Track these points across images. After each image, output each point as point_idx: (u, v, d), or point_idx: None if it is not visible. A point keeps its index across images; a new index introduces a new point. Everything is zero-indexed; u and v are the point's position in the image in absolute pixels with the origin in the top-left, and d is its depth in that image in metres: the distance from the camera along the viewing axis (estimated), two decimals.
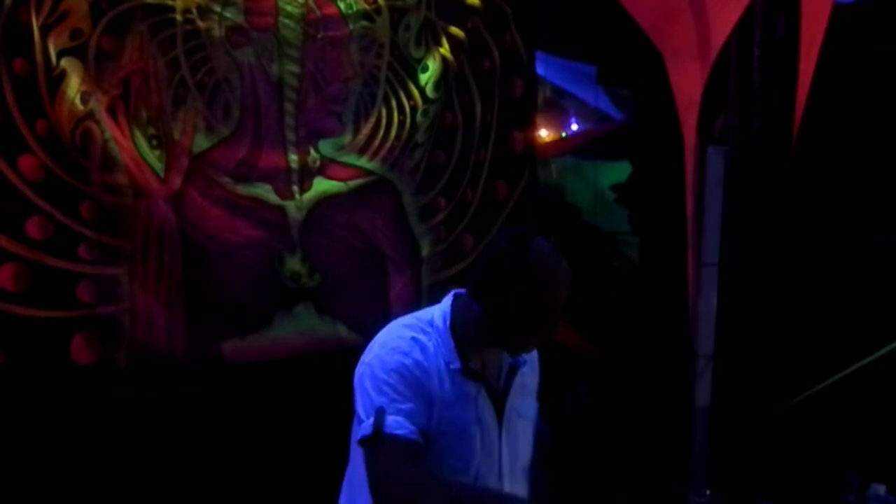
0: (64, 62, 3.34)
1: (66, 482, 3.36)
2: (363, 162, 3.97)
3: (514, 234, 2.05)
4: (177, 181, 3.58)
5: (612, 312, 4.94)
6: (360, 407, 1.97)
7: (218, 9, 3.58)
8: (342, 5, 3.82)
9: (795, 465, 3.94)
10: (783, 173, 4.10)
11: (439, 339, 2.03)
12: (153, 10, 3.47)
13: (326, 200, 3.88)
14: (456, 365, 2.01)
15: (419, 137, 4.08)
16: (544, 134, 5.64)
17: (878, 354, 3.75)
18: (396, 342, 2.02)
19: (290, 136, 3.77)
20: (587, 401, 4.83)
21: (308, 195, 3.84)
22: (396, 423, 1.90)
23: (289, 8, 3.71)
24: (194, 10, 3.54)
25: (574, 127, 6.68)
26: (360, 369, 2.02)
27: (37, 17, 3.26)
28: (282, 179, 3.77)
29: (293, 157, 3.79)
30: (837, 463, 3.80)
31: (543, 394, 2.29)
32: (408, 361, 1.97)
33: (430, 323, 2.06)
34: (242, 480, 3.65)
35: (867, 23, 4.08)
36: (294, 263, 3.83)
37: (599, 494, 4.33)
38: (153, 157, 3.55)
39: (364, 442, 1.91)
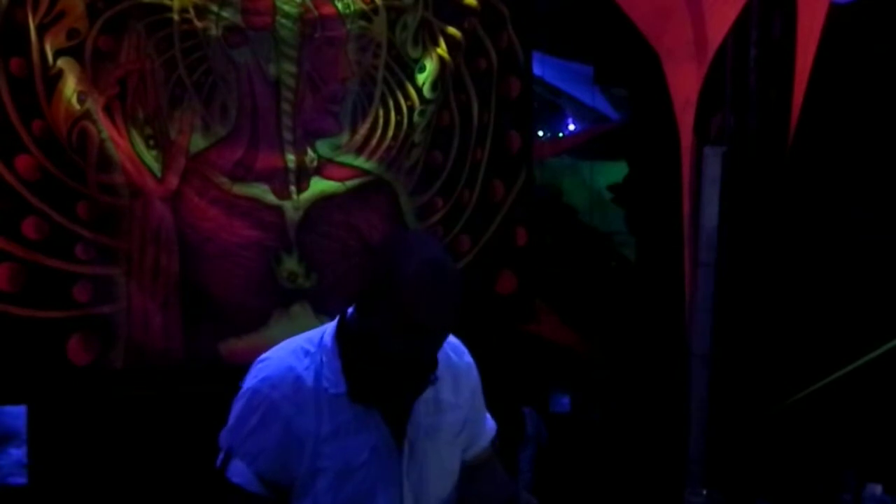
0: (60, 62, 3.34)
1: (64, 482, 3.35)
2: (360, 162, 3.96)
3: (390, 237, 1.90)
4: (174, 181, 3.58)
5: (608, 312, 4.94)
6: (225, 428, 1.85)
7: (215, 8, 3.58)
8: (340, 5, 3.82)
9: (792, 465, 3.94)
10: (780, 173, 4.09)
11: (324, 360, 1.81)
12: (150, 10, 3.47)
13: (324, 200, 3.87)
14: (339, 389, 1.79)
15: (416, 137, 4.08)
16: (541, 134, 5.65)
17: (875, 354, 3.75)
18: (271, 370, 1.82)
19: (288, 135, 3.77)
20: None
21: (305, 195, 3.83)
22: (237, 470, 1.79)
23: (286, 8, 3.70)
24: (191, 10, 3.54)
25: (571, 127, 6.68)
26: (241, 390, 1.85)
27: (33, 17, 3.27)
28: (279, 179, 3.77)
29: (290, 157, 3.78)
30: (834, 462, 3.80)
31: (525, 397, 2.22)
32: (275, 395, 1.78)
33: (320, 342, 1.84)
34: None
35: (864, 23, 4.08)
36: (291, 263, 3.83)
37: (596, 494, 4.33)
38: (150, 157, 3.55)
39: (216, 473, 1.82)
